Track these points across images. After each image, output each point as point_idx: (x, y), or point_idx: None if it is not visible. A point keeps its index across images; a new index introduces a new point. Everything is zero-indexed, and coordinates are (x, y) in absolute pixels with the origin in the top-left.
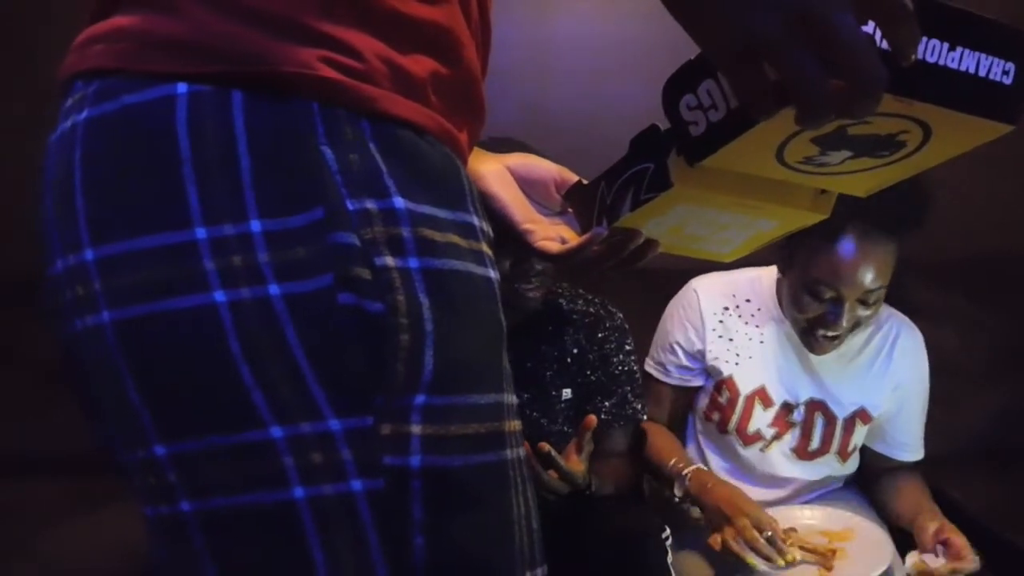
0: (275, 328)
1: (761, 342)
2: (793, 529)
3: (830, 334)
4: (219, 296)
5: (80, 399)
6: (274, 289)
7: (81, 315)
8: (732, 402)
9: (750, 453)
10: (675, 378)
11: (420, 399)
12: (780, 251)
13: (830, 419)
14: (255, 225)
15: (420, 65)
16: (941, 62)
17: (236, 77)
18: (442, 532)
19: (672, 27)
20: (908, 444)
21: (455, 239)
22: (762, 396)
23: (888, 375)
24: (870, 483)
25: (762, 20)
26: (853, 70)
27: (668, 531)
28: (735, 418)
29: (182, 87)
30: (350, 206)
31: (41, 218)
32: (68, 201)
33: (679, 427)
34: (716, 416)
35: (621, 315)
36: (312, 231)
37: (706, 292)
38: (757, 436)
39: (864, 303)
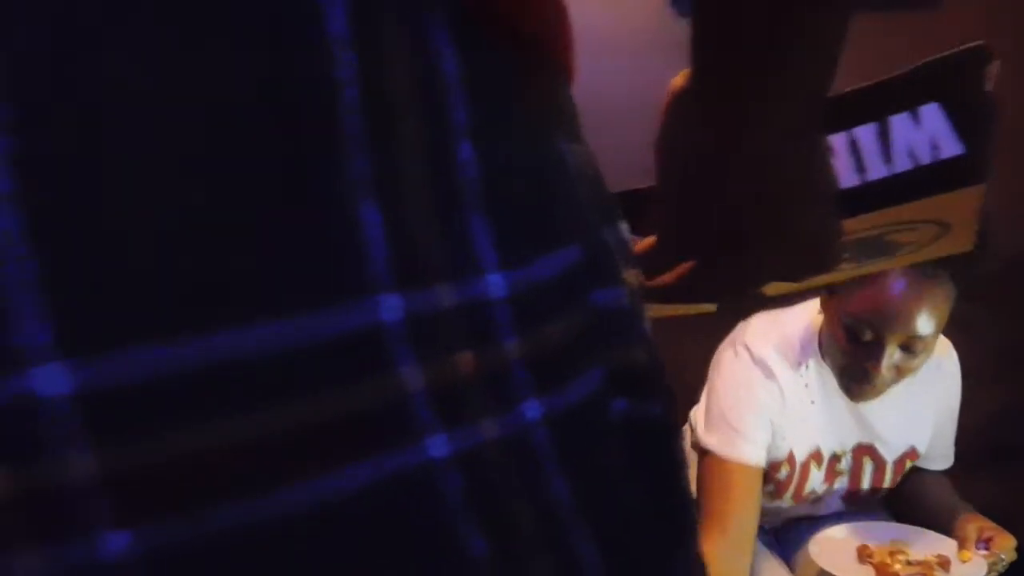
0: None
1: (812, 402)
2: (865, 546)
3: (865, 385)
4: None
5: None
6: None
7: None
8: (791, 475)
9: (799, 508)
10: (762, 454)
11: None
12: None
13: (879, 463)
14: None
15: None
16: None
17: None
18: None
19: (674, 24)
20: (940, 456)
21: None
22: (816, 457)
23: (932, 408)
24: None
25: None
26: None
27: None
28: (792, 488)
29: None
30: None
31: None
32: None
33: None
34: (770, 488)
35: None
36: None
37: (771, 350)
38: (811, 495)
39: (909, 350)
